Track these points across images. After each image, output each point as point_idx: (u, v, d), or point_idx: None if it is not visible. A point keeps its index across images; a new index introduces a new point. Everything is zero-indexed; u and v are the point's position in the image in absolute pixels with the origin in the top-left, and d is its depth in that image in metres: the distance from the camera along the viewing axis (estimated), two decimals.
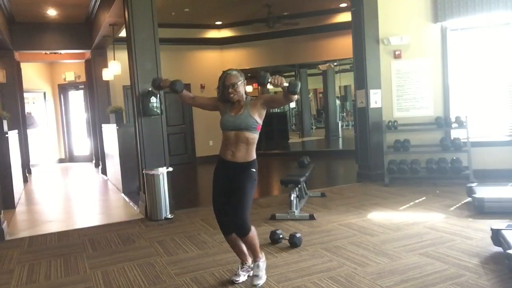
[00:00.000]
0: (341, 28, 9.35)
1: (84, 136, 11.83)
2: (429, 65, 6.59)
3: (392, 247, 3.73)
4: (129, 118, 9.09)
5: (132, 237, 4.58)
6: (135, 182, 6.40)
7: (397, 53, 6.65)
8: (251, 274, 3.21)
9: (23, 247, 4.43)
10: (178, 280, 3.31)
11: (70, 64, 11.32)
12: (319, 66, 12.59)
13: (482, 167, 6.23)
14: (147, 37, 5.37)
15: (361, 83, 6.77)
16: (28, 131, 10.10)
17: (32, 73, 11.32)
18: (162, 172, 5.22)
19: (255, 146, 3.05)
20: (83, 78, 11.02)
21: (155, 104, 5.32)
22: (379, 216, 4.76)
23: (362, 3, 6.59)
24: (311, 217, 4.78)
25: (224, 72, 3.04)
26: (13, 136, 6.77)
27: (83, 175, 9.91)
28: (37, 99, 11.72)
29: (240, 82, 2.99)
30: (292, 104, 16.73)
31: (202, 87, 10.62)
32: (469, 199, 5.00)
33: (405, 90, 6.69)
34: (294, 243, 3.87)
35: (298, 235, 3.92)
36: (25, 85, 10.14)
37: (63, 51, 9.69)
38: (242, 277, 3.20)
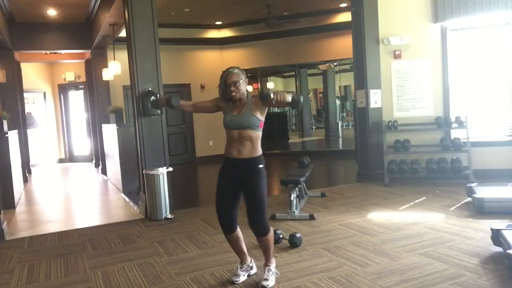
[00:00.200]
0: (341, 28, 9.36)
1: (84, 136, 11.84)
2: (429, 65, 6.60)
3: (392, 247, 3.73)
4: (129, 118, 9.10)
5: (132, 237, 4.58)
6: (135, 182, 6.40)
7: (397, 53, 6.65)
8: (251, 273, 3.24)
9: (23, 247, 4.43)
10: (178, 280, 3.31)
11: (70, 64, 11.33)
12: (319, 66, 12.59)
13: (482, 167, 6.23)
14: (147, 37, 5.37)
15: (361, 83, 6.77)
16: (28, 131, 10.10)
17: (32, 73, 11.32)
18: (162, 172, 5.22)
19: (259, 141, 3.05)
20: (83, 78, 11.03)
21: None
22: (379, 216, 4.76)
23: (362, 3, 6.60)
24: (311, 217, 4.78)
25: (226, 70, 3.03)
26: (13, 136, 6.77)
27: (83, 175, 9.92)
28: (37, 99, 11.72)
29: (242, 80, 2.99)
30: None
31: (202, 87, 10.62)
32: (469, 199, 5.00)
33: (405, 90, 6.69)
34: (294, 243, 3.88)
35: (298, 235, 3.92)
36: (25, 85, 10.15)
37: (63, 51, 9.70)
38: (242, 277, 3.21)
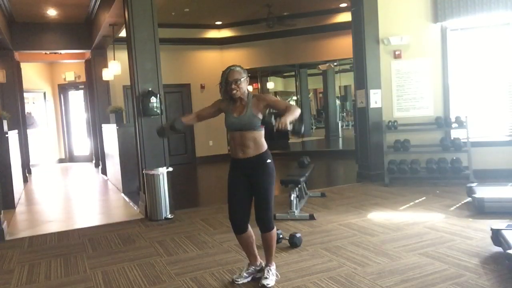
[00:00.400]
0: (341, 28, 9.36)
1: (84, 136, 11.84)
2: (429, 65, 6.59)
3: (392, 247, 3.73)
4: (129, 118, 9.10)
5: (132, 237, 4.58)
6: (135, 182, 6.40)
7: (397, 53, 6.65)
8: (257, 276, 3.21)
9: (23, 247, 4.43)
10: (178, 280, 3.31)
11: (70, 64, 11.33)
12: (319, 66, 12.59)
13: (482, 167, 6.23)
14: (147, 37, 5.37)
15: (361, 83, 6.77)
16: (28, 131, 10.10)
17: (32, 73, 11.32)
18: (162, 172, 5.21)
19: (263, 138, 3.05)
20: (83, 78, 11.03)
21: (155, 104, 5.33)
22: (379, 216, 4.76)
23: (362, 3, 6.59)
24: (311, 217, 4.78)
25: (227, 67, 3.03)
26: (13, 136, 6.77)
27: (83, 175, 9.92)
28: (37, 99, 11.72)
29: (243, 78, 2.98)
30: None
31: (202, 87, 10.62)
32: (469, 199, 5.00)
33: (405, 90, 6.69)
34: (294, 243, 3.87)
35: (298, 235, 3.92)
36: (25, 85, 10.15)
37: (63, 51, 9.70)
38: (244, 279, 3.19)
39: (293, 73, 13.54)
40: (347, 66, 12.70)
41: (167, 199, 5.22)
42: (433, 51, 6.57)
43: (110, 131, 7.71)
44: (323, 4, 9.39)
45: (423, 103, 6.62)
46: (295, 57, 10.95)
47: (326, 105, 13.70)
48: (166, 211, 5.22)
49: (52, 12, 8.13)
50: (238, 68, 3.01)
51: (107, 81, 9.35)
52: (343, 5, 9.15)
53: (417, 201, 5.37)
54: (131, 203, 6.24)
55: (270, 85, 14.70)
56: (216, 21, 10.50)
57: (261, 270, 3.22)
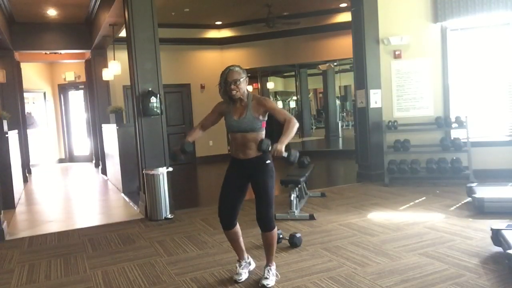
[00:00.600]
0: (341, 28, 9.36)
1: (84, 136, 11.84)
2: (429, 65, 6.59)
3: (392, 247, 3.73)
4: (129, 118, 9.10)
5: (132, 237, 4.58)
6: (135, 182, 6.40)
7: (397, 53, 6.65)
8: (250, 269, 3.27)
9: (23, 247, 4.43)
10: (178, 280, 3.31)
11: (70, 64, 11.33)
12: (319, 66, 12.58)
13: (482, 167, 6.23)
14: (147, 37, 5.37)
15: (361, 83, 6.77)
16: (28, 131, 10.11)
17: (32, 73, 11.32)
18: (162, 172, 5.22)
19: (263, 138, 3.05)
20: (83, 78, 11.03)
21: (155, 104, 5.33)
22: (379, 216, 4.76)
23: (362, 3, 6.59)
24: (311, 217, 4.78)
25: (226, 68, 3.02)
26: (13, 136, 6.77)
27: (83, 175, 9.92)
28: (37, 99, 11.72)
29: (242, 79, 2.98)
30: (292, 104, 16.75)
31: (202, 87, 10.63)
32: (469, 199, 5.00)
33: (405, 90, 6.69)
34: (294, 243, 3.88)
35: (298, 235, 3.92)
36: (25, 85, 10.15)
37: (63, 51, 9.70)
38: (244, 275, 3.22)
39: (293, 73, 13.52)
40: (347, 66, 12.68)
41: (167, 199, 5.23)
42: (433, 51, 6.57)
43: (110, 131, 7.71)
44: (323, 4, 9.38)
45: (423, 103, 6.62)
46: (295, 57, 10.95)
47: (326, 105, 13.69)
48: (166, 211, 5.22)
49: (52, 12, 8.13)
50: (237, 68, 3.00)
51: (107, 81, 9.35)
52: (343, 5, 9.15)
53: (417, 201, 5.37)
54: (131, 203, 6.24)
55: (270, 85, 14.67)
56: (216, 21, 10.49)
57: (251, 262, 3.32)
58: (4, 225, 4.84)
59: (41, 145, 11.57)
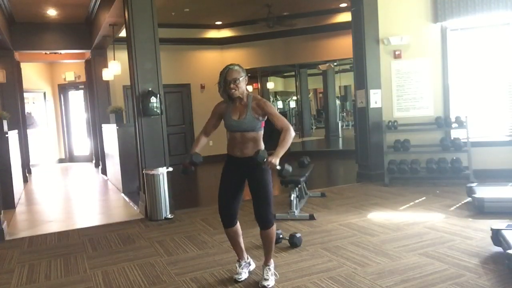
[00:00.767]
0: (341, 28, 9.35)
1: (84, 136, 11.84)
2: (429, 65, 6.59)
3: (392, 247, 3.73)
4: (129, 118, 9.10)
5: (132, 237, 4.58)
6: (135, 182, 6.40)
7: (397, 53, 6.65)
8: (250, 269, 3.28)
9: (23, 247, 4.43)
10: (178, 280, 3.31)
11: (70, 64, 11.33)
12: (319, 66, 12.58)
13: (482, 167, 6.23)
14: (147, 37, 5.37)
15: (361, 83, 6.77)
16: (28, 131, 10.11)
17: (32, 73, 11.32)
18: (162, 172, 5.22)
19: (261, 138, 3.07)
20: (83, 78, 11.03)
21: (155, 104, 5.33)
22: (379, 216, 4.76)
23: (362, 3, 6.59)
24: (311, 217, 4.78)
25: (226, 66, 3.02)
26: (13, 136, 6.77)
27: (83, 175, 9.92)
28: (37, 99, 11.72)
29: (242, 78, 2.98)
30: (292, 104, 16.75)
31: (202, 87, 10.63)
32: (469, 199, 5.00)
33: (405, 90, 6.69)
34: (294, 243, 3.88)
35: (298, 235, 3.92)
36: (25, 85, 10.15)
37: (63, 51, 9.70)
38: (244, 275, 3.22)
39: (293, 73, 13.50)
40: (347, 66, 12.68)
41: (167, 199, 5.23)
42: (433, 51, 6.57)
43: (110, 131, 7.71)
44: (323, 4, 9.38)
45: (423, 103, 6.62)
46: (295, 57, 10.94)
47: (326, 105, 13.69)
48: (166, 211, 5.22)
49: (52, 12, 8.13)
50: (236, 67, 3.00)
51: (107, 81, 9.35)
52: (343, 5, 9.14)
53: (417, 201, 5.37)
54: (131, 203, 6.24)
55: (270, 85, 14.67)
56: (216, 21, 10.49)
57: (251, 262, 3.33)
58: (4, 225, 4.84)
59: (41, 145, 11.57)
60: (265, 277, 3.09)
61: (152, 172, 5.19)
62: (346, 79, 13.89)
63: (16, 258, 4.09)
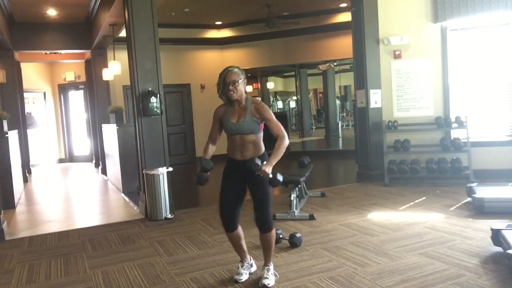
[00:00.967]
0: (341, 28, 9.36)
1: (84, 136, 11.84)
2: (429, 65, 6.59)
3: (392, 247, 3.73)
4: (129, 118, 9.09)
5: (132, 237, 4.58)
6: (135, 182, 6.40)
7: (397, 53, 6.64)
8: (251, 271, 3.27)
9: (23, 247, 4.43)
10: (178, 280, 3.31)
11: (70, 64, 11.33)
12: (319, 66, 12.59)
13: (482, 167, 6.23)
14: (147, 37, 5.37)
15: (361, 83, 6.77)
16: (28, 131, 10.11)
17: (32, 73, 11.32)
18: (162, 172, 5.22)
19: (261, 140, 3.07)
20: (83, 78, 11.03)
21: (155, 104, 5.33)
22: (379, 216, 4.76)
23: (362, 3, 6.59)
24: (311, 217, 4.78)
25: (225, 68, 3.02)
26: (13, 136, 6.77)
27: (83, 175, 9.91)
28: (37, 99, 11.72)
29: (241, 80, 2.98)
30: (292, 104, 16.76)
31: (202, 87, 10.63)
32: (469, 199, 5.00)
33: (405, 90, 6.69)
34: (294, 243, 3.87)
35: (298, 235, 3.92)
36: (25, 85, 10.15)
37: (63, 51, 9.70)
38: (245, 276, 3.22)
39: (293, 73, 13.52)
40: (347, 66, 12.69)
41: (167, 199, 5.23)
42: (433, 51, 6.57)
43: (110, 131, 7.71)
44: (323, 4, 9.38)
45: (423, 103, 6.62)
46: (295, 57, 10.94)
47: (326, 105, 13.70)
48: (166, 211, 5.22)
49: (52, 12, 8.13)
50: (236, 70, 3.00)
51: (107, 81, 9.35)
52: (343, 5, 9.15)
53: (417, 201, 5.37)
54: (131, 203, 6.24)
55: (270, 85, 14.69)
56: (216, 21, 10.49)
57: (253, 264, 3.32)
58: (4, 225, 4.84)
59: (41, 145, 11.57)
60: (265, 276, 3.09)
61: (152, 172, 5.19)
62: (346, 79, 13.90)
63: (16, 258, 4.09)
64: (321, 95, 16.95)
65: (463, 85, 6.57)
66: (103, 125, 8.70)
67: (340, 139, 13.57)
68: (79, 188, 8.31)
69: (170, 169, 5.33)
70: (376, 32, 6.67)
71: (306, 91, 14.30)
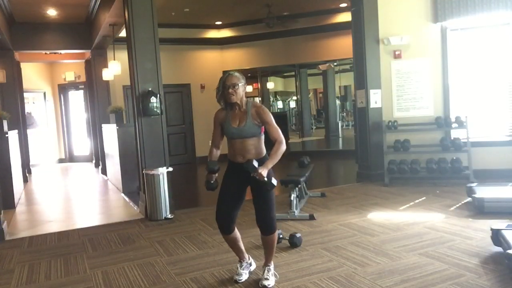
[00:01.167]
0: (341, 28, 9.36)
1: (84, 136, 11.84)
2: (429, 65, 6.59)
3: (392, 247, 3.73)
4: (129, 118, 9.09)
5: (132, 237, 4.58)
6: (135, 182, 6.40)
7: (397, 53, 6.64)
8: (251, 270, 3.28)
9: (23, 247, 4.43)
10: (178, 280, 3.31)
11: (70, 64, 11.33)
12: (319, 66, 12.58)
13: (482, 167, 6.23)
14: (147, 37, 5.37)
15: (361, 83, 6.77)
16: (28, 131, 10.11)
17: (32, 73, 11.32)
18: (162, 172, 5.22)
19: (263, 142, 3.06)
20: (83, 78, 11.03)
21: (155, 104, 5.33)
22: (379, 216, 4.76)
23: (362, 3, 6.59)
24: (311, 217, 4.78)
25: (225, 72, 3.05)
26: (13, 136, 6.77)
27: (83, 175, 9.91)
28: (37, 99, 11.72)
29: (241, 84, 2.98)
30: (292, 104, 16.75)
31: (202, 87, 10.63)
32: (469, 199, 5.00)
33: (405, 90, 6.69)
34: (294, 243, 3.88)
35: (298, 235, 3.92)
36: (25, 85, 10.15)
37: (63, 51, 9.70)
38: (245, 276, 3.22)
39: (293, 73, 13.51)
40: (347, 66, 12.68)
41: (167, 199, 5.23)
42: (433, 51, 6.57)
43: (110, 131, 7.71)
44: (323, 4, 9.39)
45: (423, 103, 6.62)
46: (295, 57, 10.94)
47: (326, 105, 13.69)
48: (166, 211, 5.22)
49: (52, 12, 8.13)
50: (236, 74, 3.02)
51: (107, 81, 9.35)
52: (343, 5, 9.15)
53: (417, 201, 5.37)
54: (131, 203, 6.24)
55: (270, 85, 14.67)
56: (216, 21, 10.50)
57: (252, 263, 3.33)
58: (4, 225, 4.84)
59: (41, 145, 11.57)
60: (265, 277, 3.09)
61: (152, 172, 5.19)
62: (346, 79, 13.89)
63: (16, 258, 4.09)
64: (321, 95, 16.94)
65: (463, 85, 6.57)
66: (103, 125, 8.70)
67: (340, 139, 13.57)
68: (79, 188, 8.31)
69: (170, 169, 5.33)
70: (376, 32, 6.67)
71: (306, 91, 14.30)
